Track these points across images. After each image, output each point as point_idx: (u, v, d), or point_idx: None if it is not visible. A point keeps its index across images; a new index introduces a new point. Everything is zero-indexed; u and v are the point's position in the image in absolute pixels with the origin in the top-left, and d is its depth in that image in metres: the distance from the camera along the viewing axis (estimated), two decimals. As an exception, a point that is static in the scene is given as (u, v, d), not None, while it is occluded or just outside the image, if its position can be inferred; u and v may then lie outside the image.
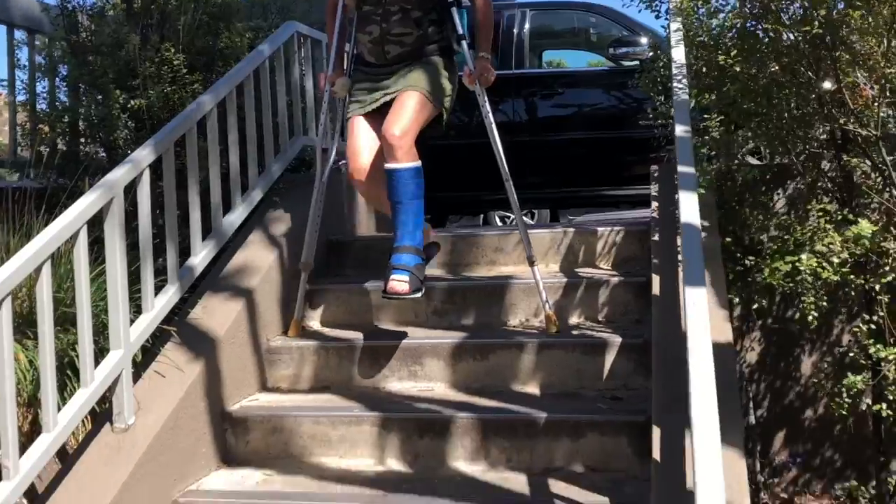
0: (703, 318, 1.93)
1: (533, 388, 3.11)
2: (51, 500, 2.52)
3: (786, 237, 3.28)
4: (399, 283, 3.06)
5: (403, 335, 3.36)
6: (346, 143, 3.51)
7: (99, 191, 2.68)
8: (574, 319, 3.42)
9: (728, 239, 3.53)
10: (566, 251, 3.76)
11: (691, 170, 2.54)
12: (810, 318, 3.15)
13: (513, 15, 5.51)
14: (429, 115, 3.27)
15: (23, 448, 2.38)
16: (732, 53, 3.23)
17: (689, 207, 2.28)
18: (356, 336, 3.41)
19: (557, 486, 2.66)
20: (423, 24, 3.28)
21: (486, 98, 3.39)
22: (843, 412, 3.13)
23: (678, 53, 3.25)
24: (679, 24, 3.57)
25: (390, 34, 3.26)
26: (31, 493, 2.58)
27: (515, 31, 5.46)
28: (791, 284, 3.13)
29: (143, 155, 2.91)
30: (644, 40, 5.07)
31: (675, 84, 3.04)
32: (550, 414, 2.82)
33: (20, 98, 4.37)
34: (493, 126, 3.40)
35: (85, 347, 2.58)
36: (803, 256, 2.98)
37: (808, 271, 3.01)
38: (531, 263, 3.35)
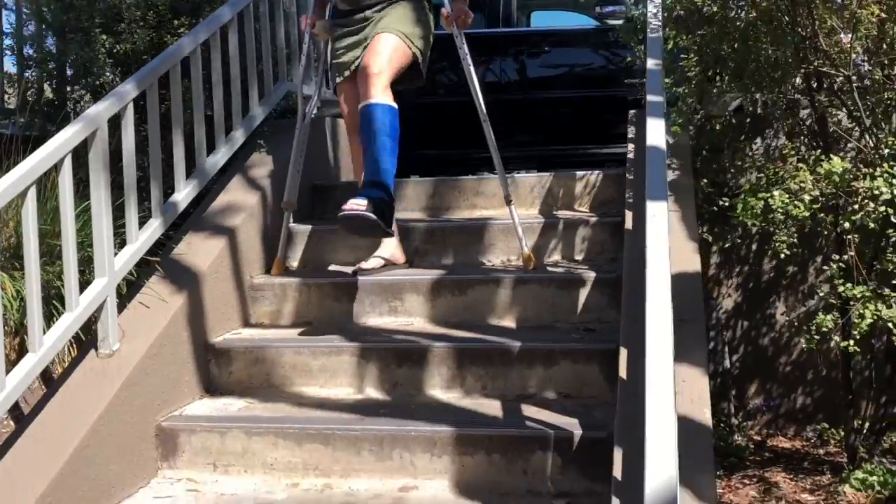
0: (662, 230, 1.98)
1: (509, 322, 3.19)
2: (36, 420, 2.57)
3: (759, 176, 3.34)
4: (357, 205, 2.96)
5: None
6: (329, 90, 3.57)
7: (84, 121, 2.72)
8: (552, 258, 3.49)
9: (705, 180, 3.59)
10: (546, 195, 3.83)
11: (659, 99, 2.60)
12: (783, 255, 3.22)
13: None
14: (405, 57, 3.28)
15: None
16: (710, -4, 3.29)
17: (654, 131, 2.34)
18: (337, 274, 3.47)
19: (530, 411, 2.73)
20: None
21: (463, 40, 3.43)
22: (813, 347, 3.21)
23: (655, -6, 3.32)
24: (658, -34, 3.60)
25: None
26: (16, 415, 2.65)
27: None
28: (763, 224, 3.20)
29: (128, 89, 2.95)
30: None
31: (649, 21, 3.10)
32: (525, 343, 2.90)
33: (7, 42, 4.39)
34: (472, 68, 3.44)
35: (70, 272, 2.63)
36: (776, 193, 3.04)
37: (779, 209, 3.07)
38: (508, 202, 3.40)
